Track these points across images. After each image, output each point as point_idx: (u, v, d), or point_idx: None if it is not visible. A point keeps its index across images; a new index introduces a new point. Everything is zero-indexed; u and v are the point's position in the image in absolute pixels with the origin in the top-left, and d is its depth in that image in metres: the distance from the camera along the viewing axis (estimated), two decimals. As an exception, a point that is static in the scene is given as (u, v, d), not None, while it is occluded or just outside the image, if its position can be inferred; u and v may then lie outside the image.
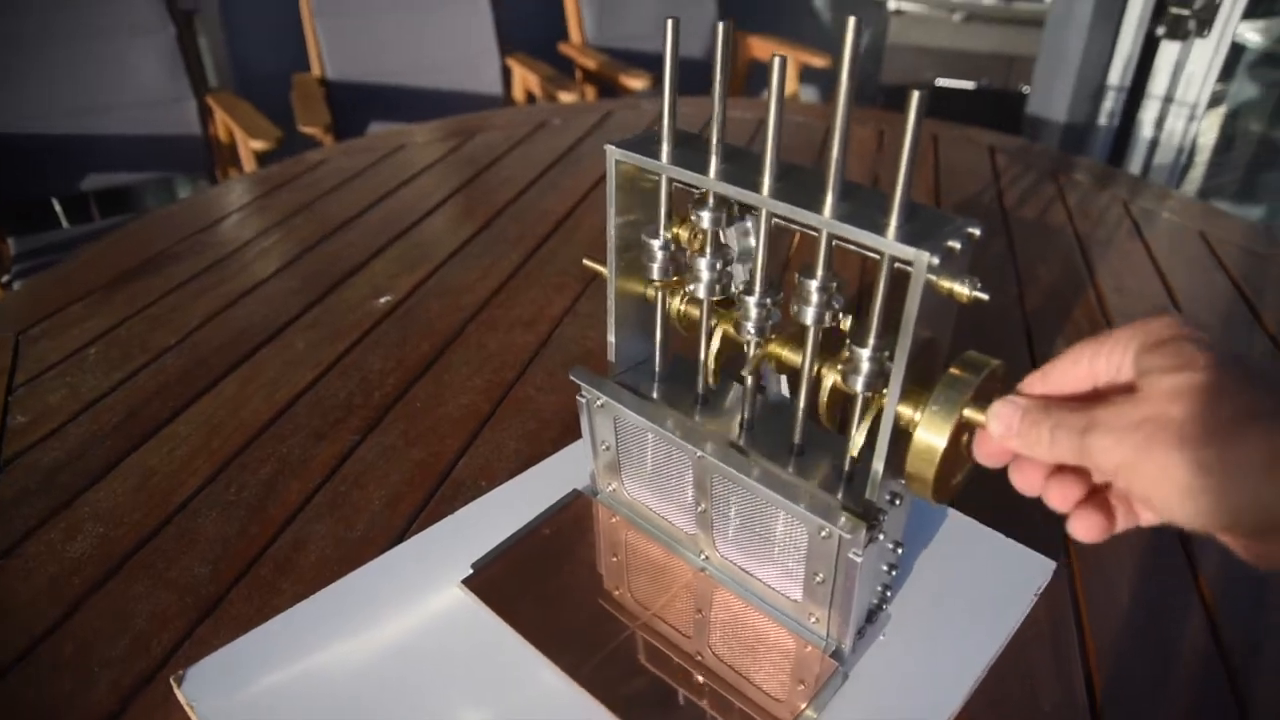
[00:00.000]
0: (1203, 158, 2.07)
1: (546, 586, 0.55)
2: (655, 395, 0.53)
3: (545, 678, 0.50)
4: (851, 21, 0.37)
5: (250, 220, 1.13)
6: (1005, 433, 0.37)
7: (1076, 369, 0.36)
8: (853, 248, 0.41)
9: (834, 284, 0.43)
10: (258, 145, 1.62)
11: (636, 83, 2.01)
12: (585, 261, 0.54)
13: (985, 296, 0.40)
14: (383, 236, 1.07)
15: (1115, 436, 0.32)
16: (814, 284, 0.42)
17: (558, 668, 0.49)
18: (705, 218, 0.46)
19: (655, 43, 2.29)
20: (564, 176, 1.24)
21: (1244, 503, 0.29)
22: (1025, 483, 0.38)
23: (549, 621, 0.52)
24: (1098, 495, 0.37)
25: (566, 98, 1.90)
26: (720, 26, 0.41)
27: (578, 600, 0.54)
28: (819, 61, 2.19)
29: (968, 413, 0.40)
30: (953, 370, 0.42)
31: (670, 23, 0.42)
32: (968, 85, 2.58)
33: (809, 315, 0.43)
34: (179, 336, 0.86)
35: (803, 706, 0.48)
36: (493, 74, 2.12)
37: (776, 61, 0.40)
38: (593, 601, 0.54)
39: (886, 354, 0.42)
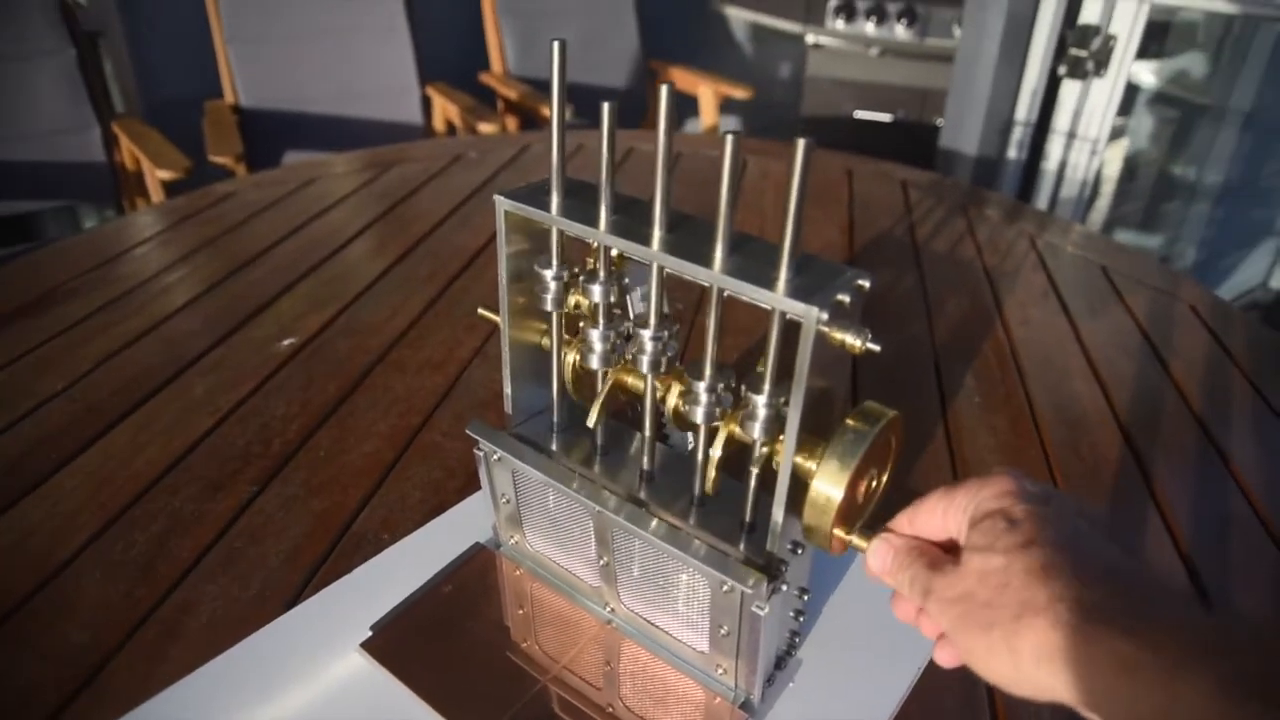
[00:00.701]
0: (1107, 189, 2.16)
1: (450, 646, 0.53)
2: (555, 447, 0.52)
3: (444, 744, 0.48)
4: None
5: (152, 255, 1.09)
6: (880, 569, 0.41)
7: (933, 520, 0.40)
8: (745, 299, 0.41)
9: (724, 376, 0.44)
10: (165, 175, 1.57)
11: (559, 114, 2.00)
12: (480, 311, 0.53)
13: (877, 348, 0.40)
14: (291, 273, 1.04)
15: (941, 607, 0.37)
16: (702, 385, 0.43)
17: (459, 732, 0.48)
18: (595, 291, 0.45)
19: (577, 74, 2.30)
20: (477, 212, 1.23)
21: (1025, 683, 0.33)
22: (901, 613, 0.42)
23: (453, 683, 0.51)
24: None
25: (487, 128, 1.89)
26: (605, 113, 0.41)
27: (482, 659, 0.52)
28: (740, 94, 2.22)
29: (855, 540, 0.43)
30: (849, 421, 0.42)
31: (556, 58, 0.42)
32: (884, 117, 2.64)
33: (699, 414, 0.44)
34: (68, 381, 0.81)
35: (707, 765, 0.47)
36: (412, 103, 2.10)
37: (663, 112, 0.39)
38: (498, 659, 0.52)
39: (782, 401, 0.42)
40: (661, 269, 0.42)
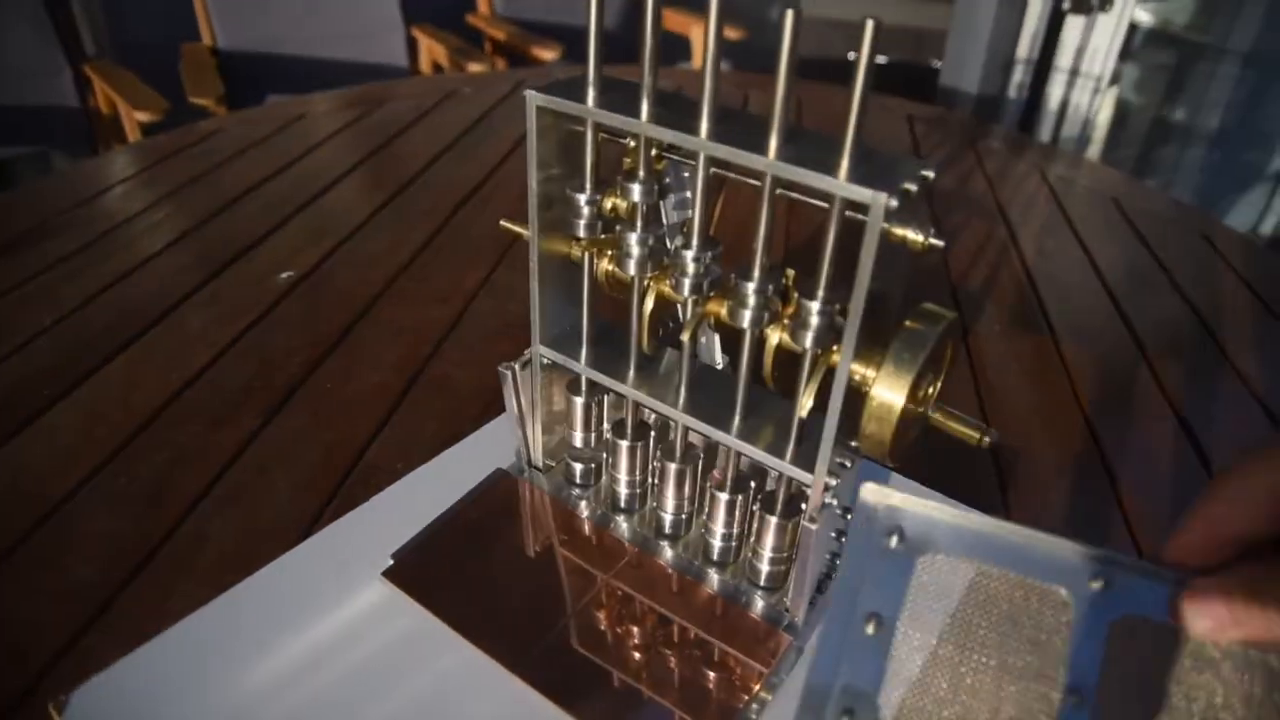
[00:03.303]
0: (1104, 132, 2.13)
1: (476, 574, 0.51)
2: (586, 363, 0.49)
3: (482, 672, 0.46)
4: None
5: (136, 193, 1.04)
6: (1216, 629, 0.29)
7: (1210, 538, 0.31)
8: (797, 197, 0.39)
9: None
10: (143, 117, 1.51)
11: (548, 54, 1.95)
12: (503, 223, 0.50)
13: (941, 243, 0.37)
14: (284, 209, 1.00)
15: None
16: (751, 287, 0.40)
17: (496, 660, 0.46)
18: (635, 190, 0.42)
19: (565, 15, 2.23)
20: (476, 146, 1.19)
21: None
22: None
23: (482, 611, 0.48)
24: None
25: (476, 69, 1.83)
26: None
27: (511, 586, 0.50)
28: (732, 34, 2.17)
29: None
30: (908, 324, 0.39)
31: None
32: (879, 59, 2.60)
33: (745, 318, 0.41)
34: (55, 317, 0.78)
35: (756, 687, 0.45)
36: (398, 45, 2.04)
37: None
38: (528, 586, 0.50)
39: (837, 308, 0.40)
40: (708, 164, 0.39)
